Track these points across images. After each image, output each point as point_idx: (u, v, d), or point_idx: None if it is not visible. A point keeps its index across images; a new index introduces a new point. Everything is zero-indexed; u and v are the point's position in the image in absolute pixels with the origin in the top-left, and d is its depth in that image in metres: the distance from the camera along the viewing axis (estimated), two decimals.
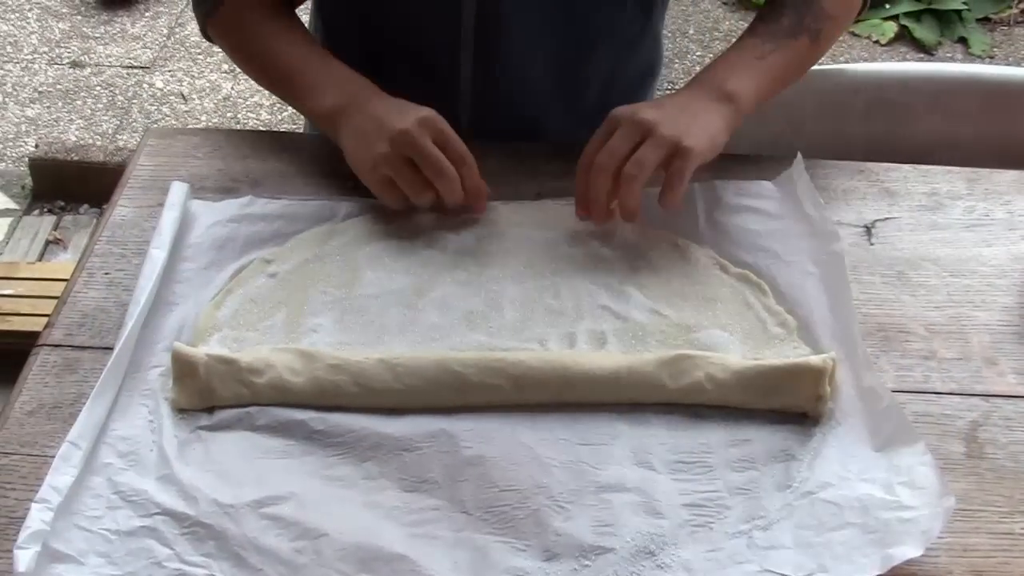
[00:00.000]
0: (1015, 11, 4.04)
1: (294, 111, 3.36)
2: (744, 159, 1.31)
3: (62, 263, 2.89)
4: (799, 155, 1.25)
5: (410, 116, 1.19)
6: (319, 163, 1.29)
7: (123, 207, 1.24)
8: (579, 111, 1.22)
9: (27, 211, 3.12)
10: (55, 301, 1.13)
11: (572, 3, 1.35)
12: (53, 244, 3.00)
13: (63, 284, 1.15)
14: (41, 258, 2.95)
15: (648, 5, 1.42)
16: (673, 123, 1.16)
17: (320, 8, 1.50)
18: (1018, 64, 3.84)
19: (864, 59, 3.75)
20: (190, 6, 1.40)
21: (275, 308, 1.11)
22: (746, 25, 1.37)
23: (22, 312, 2.51)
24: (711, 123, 1.19)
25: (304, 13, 1.48)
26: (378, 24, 1.40)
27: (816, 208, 1.20)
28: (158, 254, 1.12)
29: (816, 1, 1.31)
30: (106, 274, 1.15)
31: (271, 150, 1.33)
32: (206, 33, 1.38)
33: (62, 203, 3.15)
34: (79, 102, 3.50)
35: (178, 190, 1.20)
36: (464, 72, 1.39)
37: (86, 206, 3.13)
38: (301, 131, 1.73)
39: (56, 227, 3.06)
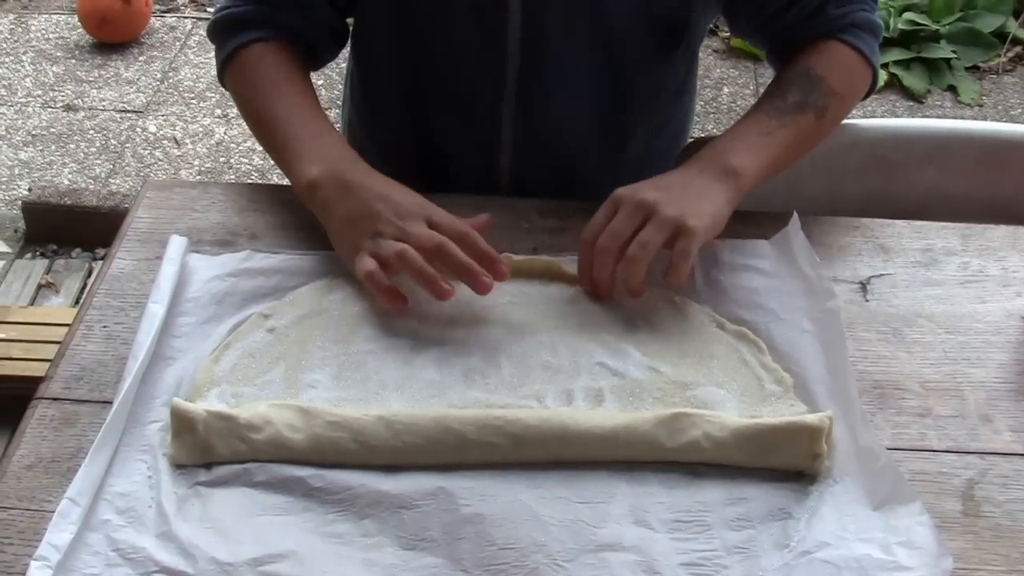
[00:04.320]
0: (1003, 60, 4.08)
1: None
2: (740, 217, 1.32)
3: (55, 308, 2.88)
4: (795, 214, 1.25)
5: (402, 210, 1.17)
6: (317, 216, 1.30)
7: (121, 259, 1.24)
8: (621, 162, 1.22)
9: (19, 255, 3.12)
10: (48, 345, 1.13)
11: (619, 56, 1.36)
12: (45, 288, 3.00)
13: (55, 329, 1.15)
14: (33, 302, 2.95)
15: (691, 58, 1.44)
16: (676, 203, 1.16)
17: (357, 53, 1.49)
18: (1007, 112, 3.88)
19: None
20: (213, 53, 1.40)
21: (273, 363, 1.11)
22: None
23: (14, 356, 2.49)
24: (714, 201, 1.20)
25: (341, 60, 1.48)
26: (419, 68, 1.39)
27: (812, 266, 1.21)
28: (156, 308, 1.13)
29: (822, 79, 1.32)
30: (104, 327, 1.15)
31: (269, 203, 1.33)
32: (223, 80, 1.38)
33: (55, 247, 3.14)
34: (72, 146, 3.50)
35: (177, 244, 1.21)
36: (506, 119, 1.39)
37: (79, 250, 3.12)
38: None
39: (48, 271, 3.05)
